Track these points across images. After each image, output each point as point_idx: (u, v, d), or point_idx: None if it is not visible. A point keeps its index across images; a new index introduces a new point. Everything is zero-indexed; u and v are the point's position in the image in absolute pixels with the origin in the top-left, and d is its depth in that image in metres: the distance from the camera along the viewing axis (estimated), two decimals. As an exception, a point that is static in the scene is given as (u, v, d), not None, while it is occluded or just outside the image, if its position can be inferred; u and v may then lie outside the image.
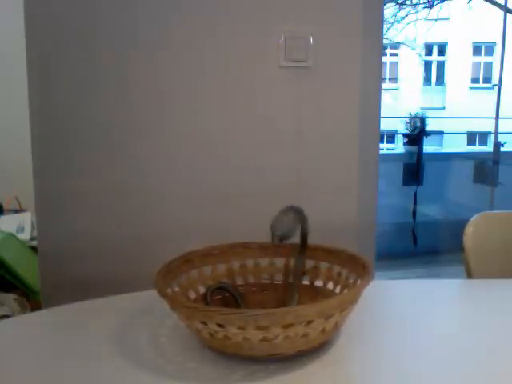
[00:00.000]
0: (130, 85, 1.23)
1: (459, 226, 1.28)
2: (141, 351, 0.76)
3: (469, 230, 1.23)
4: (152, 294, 0.77)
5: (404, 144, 5.63)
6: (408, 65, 12.66)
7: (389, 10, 9.00)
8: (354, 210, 1.40)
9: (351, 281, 0.84)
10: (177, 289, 0.82)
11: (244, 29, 1.27)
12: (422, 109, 9.68)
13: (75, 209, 1.24)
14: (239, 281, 0.92)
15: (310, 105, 1.34)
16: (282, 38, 1.29)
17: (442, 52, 12.80)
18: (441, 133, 9.18)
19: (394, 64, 12.64)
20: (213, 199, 1.30)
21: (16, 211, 2.25)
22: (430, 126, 6.54)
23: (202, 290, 0.88)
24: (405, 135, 5.82)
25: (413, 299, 0.97)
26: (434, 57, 12.88)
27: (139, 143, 1.25)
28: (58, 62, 1.19)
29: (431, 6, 9.51)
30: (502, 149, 5.35)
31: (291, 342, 0.70)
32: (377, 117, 1.41)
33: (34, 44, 1.18)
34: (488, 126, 7.06)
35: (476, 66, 12.62)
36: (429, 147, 5.85)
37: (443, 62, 12.83)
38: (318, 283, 0.91)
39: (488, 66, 12.40)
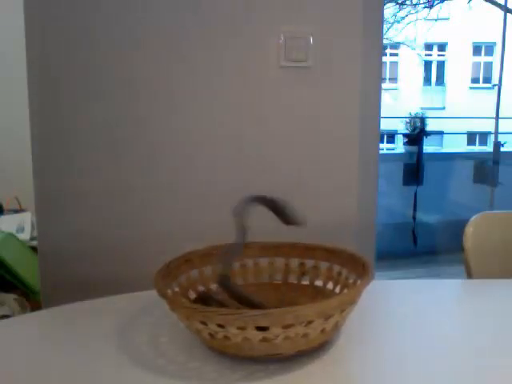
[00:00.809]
0: (130, 85, 1.23)
1: (459, 226, 1.28)
2: (141, 351, 0.76)
3: (469, 229, 1.23)
4: (152, 294, 0.77)
5: (404, 144, 5.63)
6: (408, 65, 12.66)
7: (389, 10, 9.00)
8: (354, 210, 1.40)
9: (351, 281, 0.84)
10: (177, 289, 0.82)
11: (244, 29, 1.27)
12: (421, 109, 9.67)
13: (75, 209, 1.24)
14: (239, 281, 0.92)
15: (309, 105, 1.33)
16: (282, 38, 1.29)
17: (442, 52, 12.80)
18: (441, 133, 9.18)
19: (394, 64, 12.64)
20: (213, 199, 1.30)
21: (16, 211, 2.25)
22: (430, 125, 6.53)
23: (202, 290, 0.88)
24: (405, 135, 5.82)
25: (413, 299, 0.97)
26: (434, 57, 12.88)
27: (139, 143, 1.25)
28: (58, 61, 1.19)
29: (431, 6, 9.50)
30: (502, 149, 5.35)
31: (291, 343, 0.70)
32: (377, 117, 1.41)
33: (34, 44, 1.18)
34: (488, 125, 7.06)
35: (476, 66, 12.62)
36: (429, 147, 5.84)
37: (443, 62, 12.83)
38: (318, 283, 0.91)
39: (488, 66, 12.40)
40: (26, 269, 1.76)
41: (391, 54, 12.33)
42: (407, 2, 9.28)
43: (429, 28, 10.95)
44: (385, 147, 9.25)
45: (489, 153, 5.82)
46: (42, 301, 1.25)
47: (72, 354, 0.76)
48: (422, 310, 0.92)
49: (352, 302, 0.75)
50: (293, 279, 0.93)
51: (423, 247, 4.46)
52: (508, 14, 6.39)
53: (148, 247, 1.28)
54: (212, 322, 0.68)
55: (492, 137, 6.26)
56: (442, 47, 12.73)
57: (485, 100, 9.79)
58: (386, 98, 11.16)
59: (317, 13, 1.31)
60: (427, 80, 12.94)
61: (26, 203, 2.27)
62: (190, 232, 1.29)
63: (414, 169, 4.97)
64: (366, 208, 1.42)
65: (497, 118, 5.74)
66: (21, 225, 2.07)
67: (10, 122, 2.38)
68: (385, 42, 11.04)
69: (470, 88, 12.59)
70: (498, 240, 1.26)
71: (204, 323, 0.69)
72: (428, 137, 5.64)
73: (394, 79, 12.73)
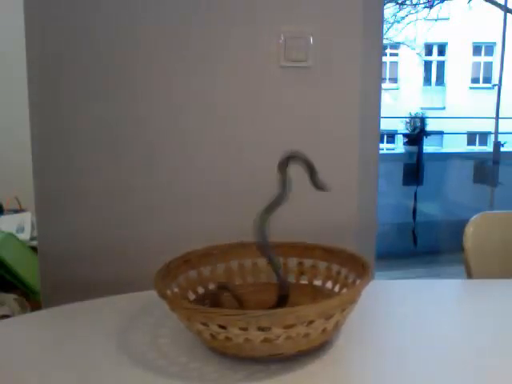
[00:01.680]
0: (130, 85, 1.23)
1: (459, 226, 1.28)
2: (141, 351, 0.76)
3: (469, 230, 1.23)
4: (152, 294, 0.77)
5: (404, 144, 5.63)
6: (408, 65, 12.67)
7: (389, 10, 9.01)
8: (354, 209, 1.40)
9: (350, 280, 0.84)
10: (176, 289, 0.82)
11: (244, 29, 1.27)
12: (422, 109, 9.68)
13: (75, 209, 1.24)
14: (238, 281, 0.92)
15: (309, 105, 1.33)
16: (282, 38, 1.29)
17: (441, 52, 12.81)
18: (441, 133, 9.18)
19: (394, 64, 12.64)
20: (213, 199, 1.30)
21: (16, 211, 2.25)
22: (430, 126, 6.54)
23: (201, 290, 0.88)
24: (405, 135, 5.82)
25: (413, 299, 0.97)
26: (434, 57, 12.88)
27: (139, 143, 1.25)
28: (58, 62, 1.19)
29: (431, 6, 9.51)
30: (502, 149, 5.35)
31: (293, 343, 0.70)
32: (377, 117, 1.41)
33: (34, 44, 1.18)
34: (488, 126, 7.06)
35: (476, 66, 12.63)
36: (429, 147, 5.85)
37: (443, 62, 12.84)
38: (317, 282, 0.91)
39: (488, 66, 12.40)
40: (26, 269, 1.76)
41: (391, 54, 12.34)
42: (407, 2, 9.28)
43: (429, 28, 10.96)
44: (385, 147, 9.26)
45: (489, 153, 5.82)
46: (42, 301, 1.25)
47: (72, 354, 0.76)
48: (422, 309, 0.92)
49: (352, 301, 0.75)
50: (291, 279, 0.93)
51: (423, 247, 4.46)
52: (508, 14, 6.39)
53: (148, 247, 1.28)
54: (213, 323, 0.68)
55: (492, 137, 6.26)
56: (441, 47, 12.73)
57: (485, 100, 9.80)
58: (386, 98, 11.16)
59: (317, 13, 1.31)
60: (427, 80, 12.94)
61: (26, 203, 2.27)
62: (189, 232, 1.29)
63: (414, 169, 4.97)
64: (366, 208, 1.42)
65: (497, 118, 5.74)
66: (21, 225, 2.07)
67: (10, 122, 2.38)
68: (385, 41, 11.03)
69: (470, 88, 12.59)
70: (498, 240, 1.26)
71: (205, 324, 0.69)
72: (428, 137, 5.64)
73: (393, 79, 12.74)
